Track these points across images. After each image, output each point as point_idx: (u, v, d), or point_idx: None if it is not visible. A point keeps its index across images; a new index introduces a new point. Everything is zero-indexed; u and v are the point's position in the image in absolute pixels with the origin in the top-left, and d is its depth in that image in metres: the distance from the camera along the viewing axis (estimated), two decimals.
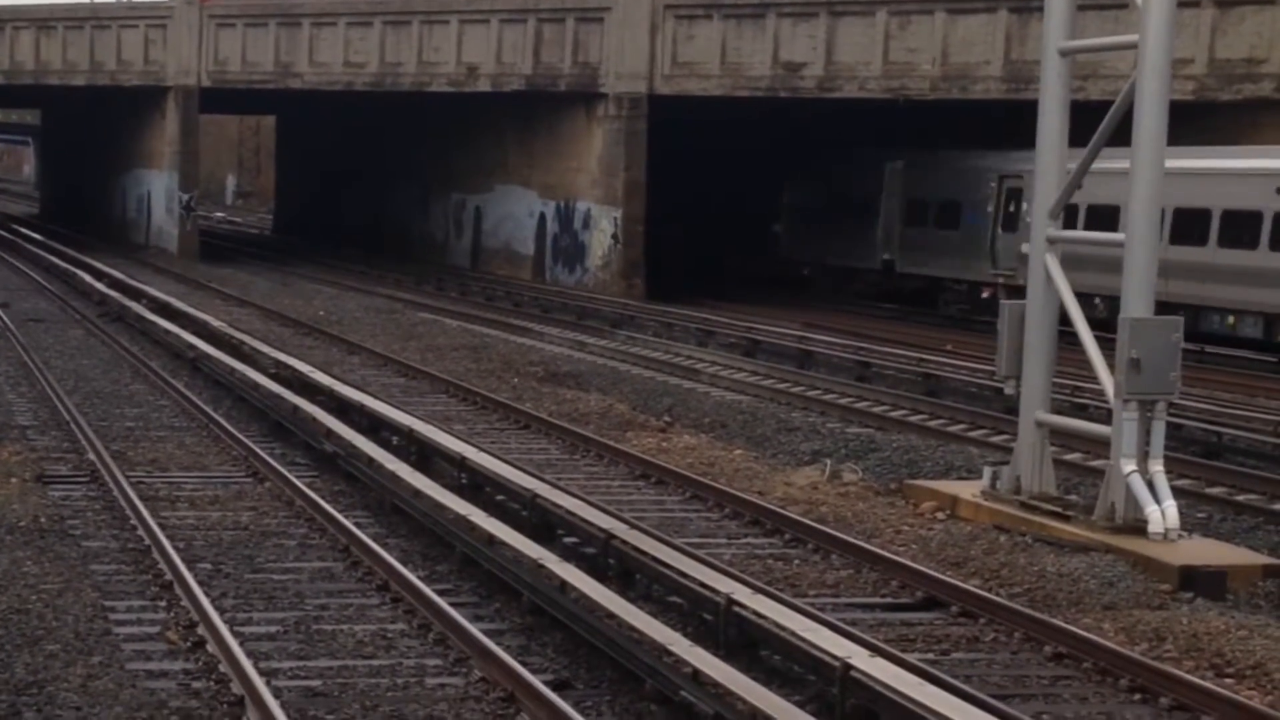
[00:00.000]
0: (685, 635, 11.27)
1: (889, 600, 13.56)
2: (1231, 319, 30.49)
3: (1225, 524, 16.81)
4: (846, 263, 44.49)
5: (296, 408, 20.86)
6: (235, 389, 23.60)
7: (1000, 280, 37.70)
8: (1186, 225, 30.41)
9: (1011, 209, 37.49)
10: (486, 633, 11.69)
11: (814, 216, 45.99)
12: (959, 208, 39.81)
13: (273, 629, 12.25)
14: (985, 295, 38.54)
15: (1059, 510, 15.92)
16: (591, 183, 45.83)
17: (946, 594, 13.36)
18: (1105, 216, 29.41)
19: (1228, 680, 11.36)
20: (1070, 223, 26.92)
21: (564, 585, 12.40)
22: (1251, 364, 30.08)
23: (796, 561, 14.74)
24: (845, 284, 44.62)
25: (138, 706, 10.31)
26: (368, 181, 61.55)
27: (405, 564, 13.86)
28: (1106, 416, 16.31)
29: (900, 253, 42.21)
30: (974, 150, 40.11)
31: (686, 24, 43.92)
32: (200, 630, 11.94)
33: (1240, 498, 18.09)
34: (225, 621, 11.93)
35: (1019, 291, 36.00)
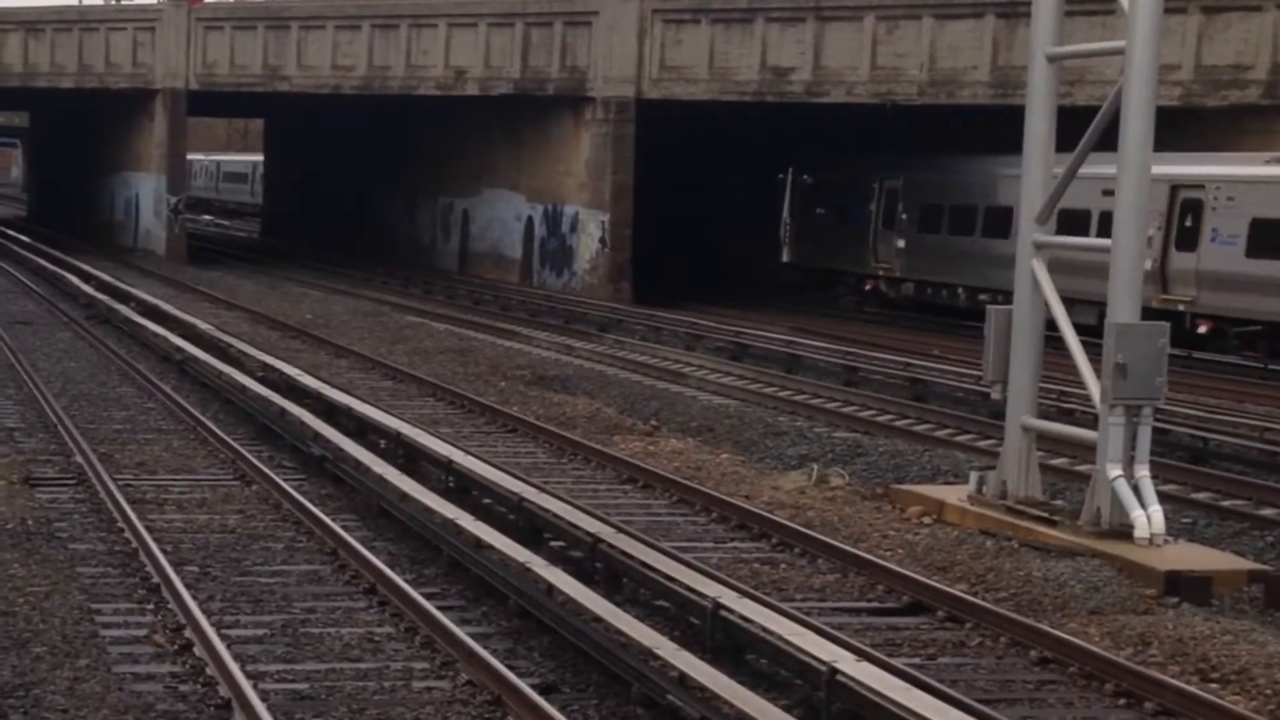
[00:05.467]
0: (672, 639, 11.28)
1: (875, 605, 13.57)
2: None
3: (1211, 529, 16.83)
4: (763, 258, 48.08)
5: (284, 411, 20.85)
6: (223, 392, 23.58)
7: (880, 273, 41.62)
8: None
9: (890, 209, 41.11)
10: (473, 636, 11.69)
11: (741, 219, 49.77)
12: (847, 208, 43.06)
13: (260, 632, 12.25)
14: (867, 287, 42.54)
15: (1045, 515, 15.94)
16: (579, 186, 45.83)
17: (933, 598, 13.38)
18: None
19: (1213, 685, 11.37)
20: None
21: (551, 589, 12.40)
22: (1238, 369, 30.14)
23: (783, 565, 14.75)
24: (763, 278, 47.75)
25: (124, 709, 10.30)
26: (356, 185, 61.52)
27: (392, 567, 13.86)
28: (1093, 421, 16.33)
29: (801, 249, 45.59)
30: (857, 155, 43.32)
31: (674, 28, 43.94)
32: (187, 633, 11.94)
33: (1226, 503, 18.11)
34: (212, 624, 11.93)
35: (896, 283, 40.63)
